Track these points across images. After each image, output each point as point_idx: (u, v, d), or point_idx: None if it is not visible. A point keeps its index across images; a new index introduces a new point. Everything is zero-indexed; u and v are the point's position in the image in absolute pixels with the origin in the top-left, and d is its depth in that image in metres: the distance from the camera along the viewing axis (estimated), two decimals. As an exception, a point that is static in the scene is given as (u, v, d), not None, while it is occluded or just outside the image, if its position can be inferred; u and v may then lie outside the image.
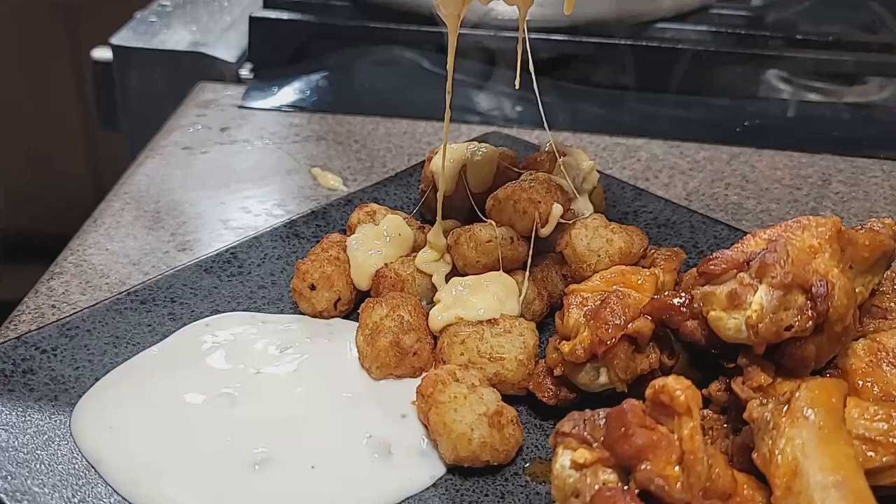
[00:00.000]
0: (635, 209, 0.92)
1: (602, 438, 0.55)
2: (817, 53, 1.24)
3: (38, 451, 0.63)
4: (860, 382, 0.64)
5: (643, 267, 0.77)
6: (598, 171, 0.89)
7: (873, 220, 0.68)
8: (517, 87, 0.79)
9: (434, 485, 0.63)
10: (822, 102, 1.31)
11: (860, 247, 0.65)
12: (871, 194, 1.04)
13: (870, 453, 0.57)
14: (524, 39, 0.77)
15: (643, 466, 0.52)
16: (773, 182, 1.06)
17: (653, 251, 0.79)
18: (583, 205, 0.82)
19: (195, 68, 1.29)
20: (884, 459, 0.56)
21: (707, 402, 0.64)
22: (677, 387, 0.54)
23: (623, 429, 0.53)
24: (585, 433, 0.56)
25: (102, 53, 1.39)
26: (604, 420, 0.56)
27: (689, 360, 0.70)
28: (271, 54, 1.28)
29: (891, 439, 0.56)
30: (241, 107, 1.21)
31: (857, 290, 0.64)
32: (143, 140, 1.23)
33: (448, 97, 0.77)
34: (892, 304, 0.70)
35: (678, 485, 0.51)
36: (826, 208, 1.01)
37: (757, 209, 1.00)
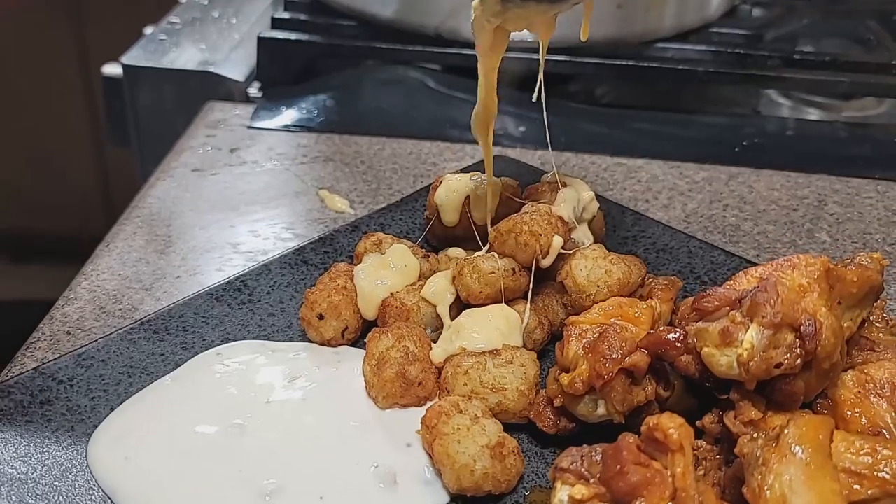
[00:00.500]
0: (634, 234, 0.94)
1: (599, 474, 0.57)
2: (814, 74, 1.26)
3: (57, 483, 0.65)
4: (849, 413, 0.67)
5: (641, 296, 0.80)
6: (599, 196, 0.92)
7: (861, 254, 0.70)
8: (534, 100, 0.86)
9: (438, 513, 0.66)
10: (819, 121, 1.33)
11: (848, 283, 0.67)
12: (865, 215, 1.06)
13: (856, 486, 0.59)
14: (544, 64, 0.85)
15: (637, 503, 0.55)
16: (770, 203, 1.08)
17: (650, 280, 0.81)
18: (583, 234, 0.85)
19: (204, 87, 1.31)
20: (869, 492, 0.59)
21: (701, 433, 0.67)
22: (670, 425, 0.57)
23: (618, 466, 0.56)
24: (583, 469, 0.58)
25: (112, 69, 1.42)
26: (600, 456, 0.58)
27: (685, 387, 0.72)
28: (279, 74, 1.31)
29: (875, 472, 0.59)
30: (249, 127, 1.23)
31: (845, 325, 0.67)
32: (152, 156, 1.26)
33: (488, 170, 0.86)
34: (881, 335, 0.72)
35: (670, 521, 0.54)
36: (821, 230, 1.03)
37: (754, 231, 1.02)
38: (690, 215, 1.06)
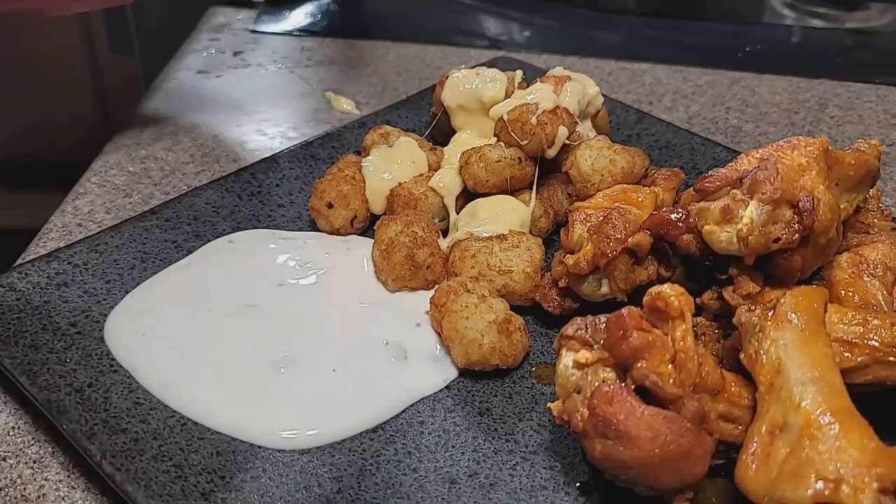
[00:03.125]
0: (638, 132, 0.95)
1: (602, 341, 0.60)
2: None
3: (76, 358, 0.68)
4: (843, 292, 0.69)
5: (645, 185, 0.81)
6: (604, 95, 0.93)
7: (860, 140, 0.72)
8: None
9: (447, 387, 0.68)
10: (823, 28, 1.33)
11: (846, 166, 0.68)
12: (864, 118, 1.07)
13: (846, 354, 0.61)
14: None
15: (639, 365, 0.57)
16: (772, 106, 1.09)
17: (653, 171, 0.82)
18: (587, 128, 0.86)
19: (207, -8, 1.31)
20: (859, 359, 0.61)
21: (701, 310, 0.69)
22: (671, 293, 0.59)
23: (621, 331, 0.58)
24: (587, 336, 0.60)
25: (113, -23, 1.40)
26: (604, 324, 0.60)
27: (685, 273, 0.74)
28: (282, -22, 1.30)
29: (865, 341, 0.61)
30: (253, 31, 1.23)
31: (841, 206, 0.68)
32: (156, 64, 1.26)
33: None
34: (876, 220, 0.74)
35: (671, 381, 0.56)
36: (821, 132, 1.04)
37: (755, 132, 1.03)
38: (693, 117, 1.07)
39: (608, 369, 0.59)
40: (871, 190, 0.78)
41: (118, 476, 0.58)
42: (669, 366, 0.57)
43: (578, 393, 0.59)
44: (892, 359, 0.61)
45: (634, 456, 0.55)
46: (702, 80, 1.14)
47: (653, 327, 0.59)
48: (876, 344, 0.61)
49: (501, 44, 1.21)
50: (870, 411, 0.55)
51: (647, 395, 0.57)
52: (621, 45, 1.21)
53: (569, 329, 0.61)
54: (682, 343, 0.57)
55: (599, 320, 0.61)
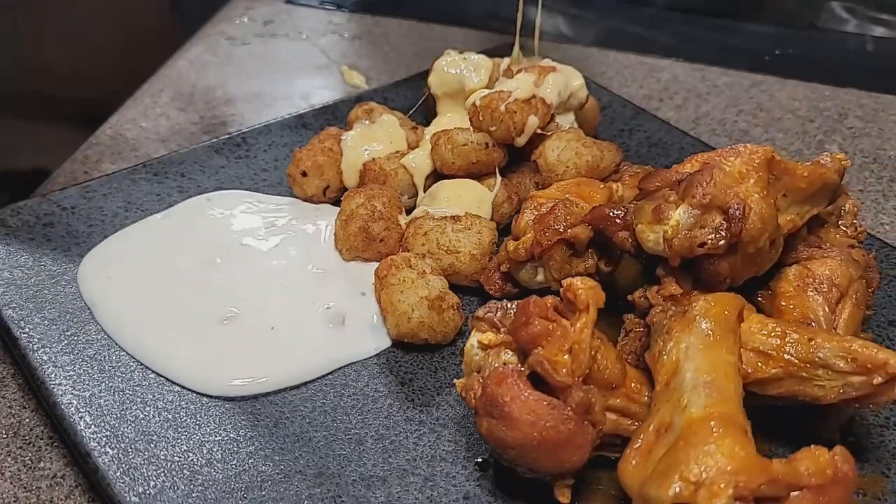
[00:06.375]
0: (631, 127, 0.95)
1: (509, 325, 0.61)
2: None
3: (45, 291, 0.73)
4: (784, 304, 0.68)
5: (613, 181, 0.81)
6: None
7: (825, 153, 0.70)
8: None
9: (377, 354, 0.71)
10: (883, 38, 1.27)
11: (797, 178, 0.67)
12: (885, 132, 1.03)
13: (760, 364, 0.61)
14: None
15: (536, 351, 0.58)
16: (788, 112, 1.06)
17: (626, 167, 0.82)
18: (569, 120, 0.87)
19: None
20: (772, 371, 0.61)
21: (633, 307, 0.70)
22: (581, 286, 0.59)
23: (524, 318, 0.59)
24: (496, 319, 0.62)
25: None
26: (513, 310, 0.62)
27: (642, 269, 0.74)
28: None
29: (781, 354, 0.61)
30: (287, 2, 1.27)
31: (788, 219, 0.67)
32: (196, 24, 1.30)
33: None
34: (839, 237, 0.72)
35: (564, 370, 0.57)
36: (833, 142, 1.01)
37: (762, 137, 1.02)
38: (701, 117, 1.05)
39: (510, 353, 0.60)
40: (847, 205, 0.77)
41: (58, 400, 0.63)
42: (567, 356, 0.58)
43: (479, 372, 0.61)
44: (804, 374, 0.60)
45: (514, 437, 0.56)
46: (720, 80, 1.12)
47: (563, 317, 0.61)
48: (791, 357, 0.61)
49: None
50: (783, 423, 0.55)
51: (543, 382, 0.58)
52: (645, 39, 1.20)
53: (480, 311, 0.63)
54: (578, 334, 0.58)
55: (510, 306, 0.63)
